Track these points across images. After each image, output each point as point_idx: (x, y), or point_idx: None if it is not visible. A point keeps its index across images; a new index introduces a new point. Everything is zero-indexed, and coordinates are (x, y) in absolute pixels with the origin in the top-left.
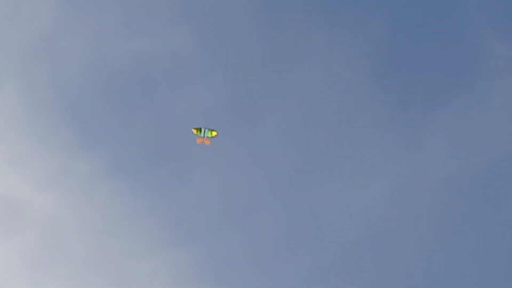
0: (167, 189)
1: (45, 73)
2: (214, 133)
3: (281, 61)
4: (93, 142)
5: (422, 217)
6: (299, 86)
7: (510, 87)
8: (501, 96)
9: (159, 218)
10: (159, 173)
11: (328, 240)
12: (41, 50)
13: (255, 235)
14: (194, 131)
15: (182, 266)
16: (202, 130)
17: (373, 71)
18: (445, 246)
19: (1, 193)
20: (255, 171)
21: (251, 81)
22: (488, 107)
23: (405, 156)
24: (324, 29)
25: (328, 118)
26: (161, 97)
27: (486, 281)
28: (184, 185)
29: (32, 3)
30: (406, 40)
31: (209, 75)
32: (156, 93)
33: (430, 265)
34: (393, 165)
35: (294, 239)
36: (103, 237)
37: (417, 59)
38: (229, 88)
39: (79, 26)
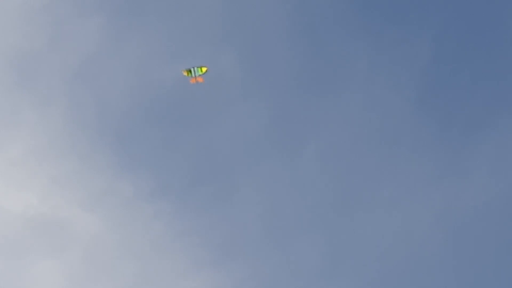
0: (209, 210)
1: (90, 95)
2: (204, 69)
3: (323, 85)
4: (136, 164)
5: (465, 242)
6: (341, 110)
7: None
8: None
9: (202, 238)
10: (202, 194)
11: (370, 264)
12: (86, 72)
13: (297, 258)
14: (185, 73)
15: (224, 286)
16: (192, 70)
17: (415, 94)
18: (489, 271)
19: (45, 212)
20: (298, 193)
21: (294, 104)
22: None
23: (448, 180)
24: (366, 52)
25: (370, 141)
26: (204, 119)
27: None
28: (227, 206)
29: (77, 25)
30: (449, 63)
31: (253, 98)
32: (199, 116)
33: None
34: (435, 189)
35: (336, 263)
36: (145, 257)
37: (460, 82)
38: (272, 111)
39: (123, 49)
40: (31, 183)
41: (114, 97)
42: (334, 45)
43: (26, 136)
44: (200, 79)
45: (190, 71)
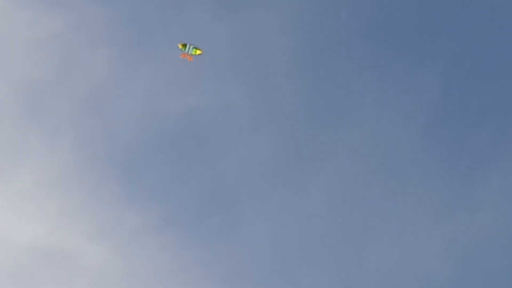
0: (215, 242)
1: (98, 126)
2: (198, 52)
3: (331, 117)
4: (144, 196)
5: (471, 275)
6: (349, 142)
7: None
8: None
9: (208, 270)
10: (208, 227)
11: None
12: (94, 103)
13: None
14: (180, 46)
15: None
16: (187, 46)
17: (423, 127)
18: None
19: (53, 244)
20: (304, 226)
21: (302, 137)
22: None
23: (455, 213)
24: (374, 85)
25: (378, 174)
26: (211, 152)
27: None
28: (233, 238)
29: (86, 56)
30: (458, 96)
31: (260, 131)
32: (207, 148)
33: None
34: (442, 222)
35: None
36: None
37: (468, 115)
38: (279, 144)
39: (132, 81)
40: (39, 215)
41: (123, 129)
42: (342, 78)
43: (34, 167)
44: (190, 58)
45: (185, 45)
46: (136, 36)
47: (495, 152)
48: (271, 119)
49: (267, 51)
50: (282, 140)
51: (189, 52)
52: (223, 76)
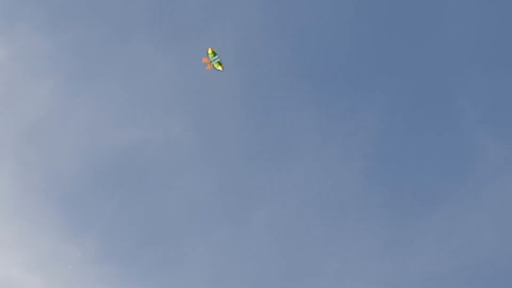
0: (156, 275)
1: (40, 157)
2: (220, 67)
3: (273, 154)
4: (84, 227)
5: None
6: (291, 178)
7: (502, 188)
8: (494, 197)
9: None
10: (149, 259)
11: None
12: (36, 135)
13: None
14: (210, 51)
15: None
16: (215, 57)
17: (365, 164)
18: None
19: None
20: (245, 260)
21: (245, 172)
22: (480, 208)
23: (396, 251)
24: (316, 123)
25: (319, 211)
26: (154, 184)
27: None
28: (174, 271)
29: (29, 88)
30: (398, 135)
31: (204, 165)
32: (149, 181)
33: None
34: (382, 260)
35: None
36: None
37: (408, 154)
38: (222, 178)
39: (75, 113)
40: None
41: (64, 160)
42: (285, 115)
43: None
44: (210, 66)
45: (215, 54)
46: (80, 68)
47: (434, 191)
48: (214, 153)
49: (210, 86)
50: (225, 175)
51: (213, 63)
52: (167, 109)
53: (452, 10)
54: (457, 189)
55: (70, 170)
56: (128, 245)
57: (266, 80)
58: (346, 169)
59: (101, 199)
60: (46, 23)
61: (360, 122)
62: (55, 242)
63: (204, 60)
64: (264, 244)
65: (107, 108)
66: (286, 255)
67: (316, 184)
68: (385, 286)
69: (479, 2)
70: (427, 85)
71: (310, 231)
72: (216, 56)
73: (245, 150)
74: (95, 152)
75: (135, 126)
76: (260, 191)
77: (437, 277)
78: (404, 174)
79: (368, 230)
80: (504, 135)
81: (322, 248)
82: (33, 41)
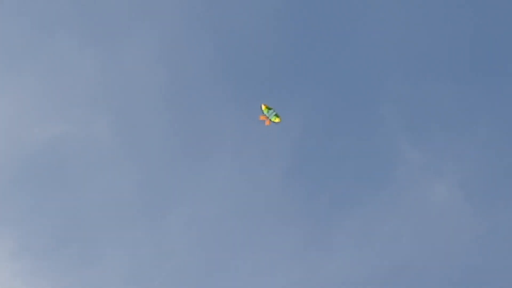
0: (71, 272)
1: None
2: (278, 120)
3: (195, 152)
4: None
5: None
6: (211, 179)
7: (420, 193)
8: (412, 203)
9: None
10: (65, 256)
11: None
12: None
13: None
14: (263, 107)
15: None
16: (271, 111)
17: (284, 167)
18: None
19: None
20: (163, 259)
21: (165, 170)
22: (398, 212)
23: (314, 253)
24: (238, 122)
25: (237, 211)
26: (73, 181)
27: None
28: (89, 269)
29: None
30: (320, 139)
31: (123, 162)
32: (68, 177)
33: None
34: (300, 261)
35: None
36: None
37: (330, 159)
38: (142, 176)
39: None
40: None
41: None
42: (207, 115)
43: None
44: (268, 122)
45: (269, 109)
46: (1, 63)
47: (353, 195)
48: (134, 151)
49: (134, 82)
50: (145, 173)
51: (270, 117)
52: (89, 106)
53: (378, 18)
54: (376, 194)
55: None
56: (45, 242)
57: (189, 79)
58: (266, 170)
59: (18, 194)
60: None
61: (280, 124)
62: None
63: (261, 117)
64: (182, 244)
65: (27, 103)
66: (204, 255)
67: (236, 184)
68: (300, 285)
69: (405, 10)
70: (349, 89)
71: (228, 232)
72: (272, 110)
73: (166, 149)
74: (14, 147)
75: (55, 121)
76: (180, 190)
77: (354, 280)
78: (324, 177)
79: (287, 232)
80: (423, 141)
81: (240, 249)
82: None
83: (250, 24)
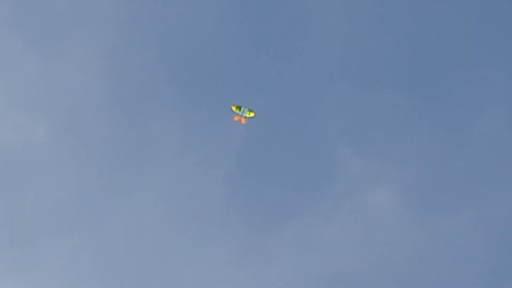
0: (10, 275)
1: None
2: (252, 114)
3: (136, 158)
4: None
5: None
6: (152, 183)
7: (361, 201)
8: (352, 210)
9: None
10: (3, 259)
11: None
12: None
13: None
14: (234, 108)
15: None
16: (242, 108)
17: (226, 173)
18: None
19: None
20: (102, 264)
21: (106, 175)
22: (337, 220)
23: (253, 260)
24: (180, 128)
25: (179, 216)
26: (12, 186)
27: None
28: (27, 274)
29: None
30: (261, 146)
31: (64, 166)
32: (7, 182)
33: None
34: (239, 269)
35: None
36: None
37: (270, 166)
38: (82, 181)
39: None
40: None
41: None
42: (149, 120)
43: None
44: (244, 120)
45: (240, 108)
46: None
47: (294, 202)
48: (75, 156)
49: (74, 88)
50: (85, 178)
51: (243, 115)
52: (29, 110)
53: (320, 25)
54: (316, 201)
55: None
56: None
57: (129, 83)
58: (206, 177)
59: None
60: None
61: (222, 130)
62: None
63: (235, 118)
64: (121, 248)
65: None
66: (143, 261)
67: (177, 190)
68: None
69: (347, 18)
70: (291, 96)
71: (168, 237)
72: (243, 108)
73: (107, 154)
74: None
75: None
76: (120, 195)
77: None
78: (265, 183)
79: (227, 238)
80: (364, 148)
81: (179, 255)
82: None
83: (192, 28)
